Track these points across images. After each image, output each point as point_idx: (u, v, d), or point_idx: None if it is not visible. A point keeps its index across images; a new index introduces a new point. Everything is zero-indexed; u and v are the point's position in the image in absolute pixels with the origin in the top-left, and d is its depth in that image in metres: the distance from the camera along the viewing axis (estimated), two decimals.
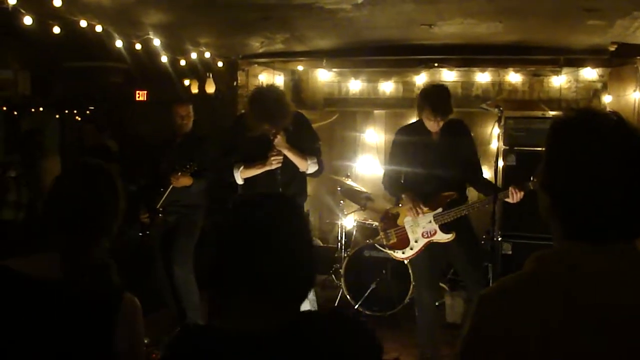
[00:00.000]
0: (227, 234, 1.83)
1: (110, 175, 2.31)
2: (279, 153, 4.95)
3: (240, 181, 5.16)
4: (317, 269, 1.91)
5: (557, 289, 1.52)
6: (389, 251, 5.31)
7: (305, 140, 5.17)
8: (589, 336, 1.47)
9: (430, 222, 5.05)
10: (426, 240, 5.07)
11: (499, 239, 6.43)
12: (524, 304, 1.53)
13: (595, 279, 1.51)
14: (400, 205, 5.29)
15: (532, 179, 4.70)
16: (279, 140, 4.90)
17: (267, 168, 5.00)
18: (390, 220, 5.28)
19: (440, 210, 5.03)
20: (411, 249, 5.13)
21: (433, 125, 4.92)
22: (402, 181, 5.24)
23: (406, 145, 5.12)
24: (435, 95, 4.92)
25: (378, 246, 5.54)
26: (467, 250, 5.07)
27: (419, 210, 4.99)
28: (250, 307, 1.76)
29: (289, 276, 1.77)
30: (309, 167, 5.14)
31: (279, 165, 4.95)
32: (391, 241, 5.23)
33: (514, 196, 4.83)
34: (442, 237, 5.02)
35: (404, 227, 5.17)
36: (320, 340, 1.71)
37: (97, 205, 2.23)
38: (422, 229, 5.08)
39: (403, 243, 5.17)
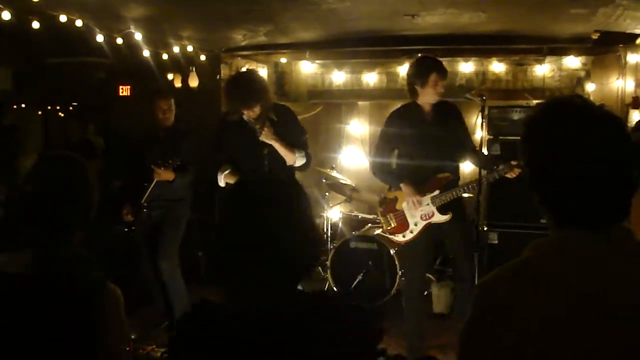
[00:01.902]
0: (220, 220, 1.88)
1: (80, 167, 2.27)
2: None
3: (222, 184, 5.15)
4: (311, 250, 1.89)
5: (554, 276, 1.53)
6: (389, 236, 5.42)
7: (292, 134, 5.13)
8: (589, 323, 1.47)
9: (428, 204, 5.10)
10: (425, 222, 5.13)
11: (485, 228, 6.44)
12: (523, 292, 1.54)
13: (591, 264, 1.52)
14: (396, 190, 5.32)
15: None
16: (266, 132, 4.88)
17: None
18: (388, 204, 5.34)
19: (437, 192, 5.07)
20: (411, 232, 5.20)
21: (438, 92, 4.98)
22: (395, 166, 5.27)
23: (399, 129, 5.14)
24: (437, 61, 5.10)
25: (381, 232, 5.64)
26: (461, 235, 5.17)
27: (416, 201, 5.07)
28: (245, 291, 1.79)
29: (273, 260, 1.77)
30: (297, 159, 5.11)
31: None
32: (391, 226, 5.31)
33: (513, 171, 4.87)
34: (440, 218, 5.08)
35: (403, 211, 5.23)
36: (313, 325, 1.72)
37: (66, 197, 2.19)
38: (420, 212, 5.13)
39: (403, 227, 5.24)
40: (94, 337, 2.05)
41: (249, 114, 4.93)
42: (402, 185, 5.13)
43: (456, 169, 5.26)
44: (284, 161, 5.08)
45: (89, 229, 2.29)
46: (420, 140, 5.05)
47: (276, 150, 4.98)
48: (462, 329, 1.64)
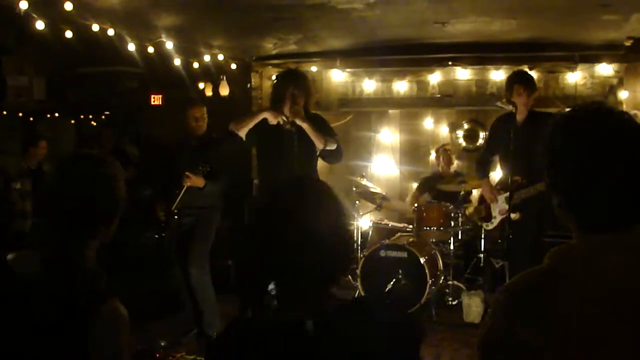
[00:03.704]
0: (251, 223, 1.86)
1: (105, 168, 2.14)
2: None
3: (241, 134, 5.08)
4: (346, 252, 1.85)
5: (575, 282, 1.51)
6: (479, 222, 6.55)
7: (324, 132, 5.10)
8: (608, 329, 1.46)
9: (503, 202, 5.84)
10: (501, 217, 5.94)
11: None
12: (543, 299, 1.53)
13: (614, 270, 1.50)
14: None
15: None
16: (295, 109, 4.86)
17: (263, 116, 5.01)
18: (482, 197, 6.34)
19: (509, 193, 5.59)
20: (492, 223, 6.17)
21: (523, 101, 5.48)
22: (498, 162, 6.13)
23: (494, 132, 5.96)
24: (523, 73, 5.82)
25: (474, 219, 6.75)
26: (523, 235, 5.56)
27: (492, 198, 5.94)
28: (282, 297, 1.74)
29: (312, 262, 1.72)
30: (328, 143, 5.02)
31: (281, 117, 4.93)
32: (482, 214, 6.35)
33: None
34: (511, 216, 5.64)
35: (489, 204, 6.13)
36: (351, 330, 1.67)
37: (84, 196, 2.06)
38: (498, 208, 5.97)
39: (488, 217, 6.23)
40: (83, 350, 1.90)
41: (290, 100, 4.92)
42: (481, 181, 6.10)
43: (530, 175, 5.43)
44: (312, 157, 5.11)
45: (110, 240, 2.18)
46: (506, 145, 5.47)
47: (305, 140, 4.94)
48: (482, 335, 1.62)
